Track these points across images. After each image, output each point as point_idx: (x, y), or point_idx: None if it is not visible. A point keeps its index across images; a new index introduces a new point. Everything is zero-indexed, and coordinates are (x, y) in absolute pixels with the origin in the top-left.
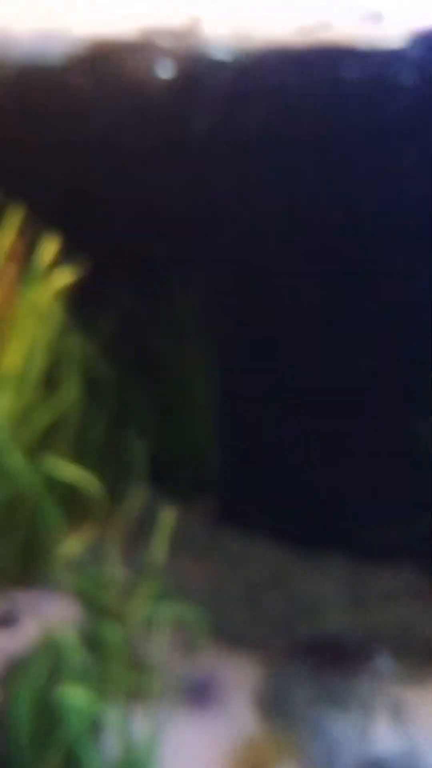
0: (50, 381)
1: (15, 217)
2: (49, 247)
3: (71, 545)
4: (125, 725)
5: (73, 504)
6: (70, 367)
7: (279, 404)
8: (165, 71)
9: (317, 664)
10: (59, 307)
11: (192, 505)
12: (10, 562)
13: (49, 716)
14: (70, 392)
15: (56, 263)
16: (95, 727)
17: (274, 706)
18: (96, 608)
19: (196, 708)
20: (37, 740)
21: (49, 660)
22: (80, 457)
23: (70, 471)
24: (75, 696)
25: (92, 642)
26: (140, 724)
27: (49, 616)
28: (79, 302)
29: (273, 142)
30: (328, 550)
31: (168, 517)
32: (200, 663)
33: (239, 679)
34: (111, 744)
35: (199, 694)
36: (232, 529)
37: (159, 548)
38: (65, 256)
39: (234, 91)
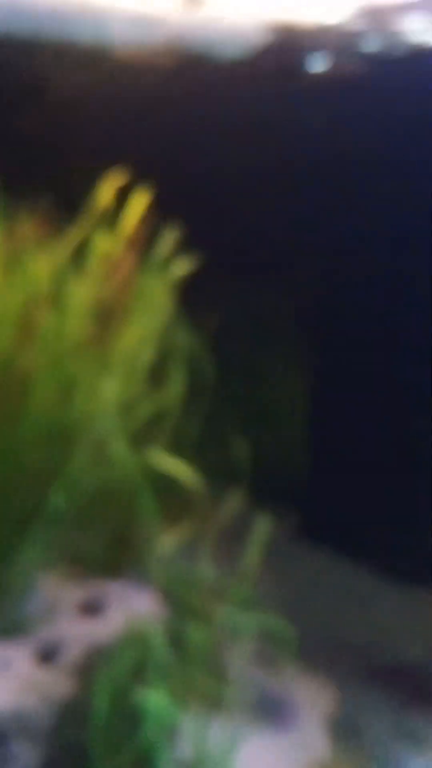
0: (156, 373)
1: (139, 204)
2: (169, 237)
3: (164, 540)
4: (202, 733)
5: (169, 499)
6: (177, 361)
7: (377, 423)
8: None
9: (395, 694)
10: (171, 299)
11: (277, 515)
12: (101, 551)
13: (127, 712)
14: (176, 386)
15: (173, 254)
16: (172, 730)
17: (348, 733)
18: (182, 607)
19: (270, 723)
20: (113, 734)
21: (132, 654)
22: (177, 453)
23: (173, 464)
24: (156, 697)
25: (176, 641)
26: (216, 732)
27: (135, 610)
28: (188, 295)
29: None
30: (415, 578)
31: (264, 523)
32: (278, 678)
33: (314, 699)
34: (186, 750)
35: (274, 710)
36: (317, 545)
37: (253, 555)
38: (182, 247)
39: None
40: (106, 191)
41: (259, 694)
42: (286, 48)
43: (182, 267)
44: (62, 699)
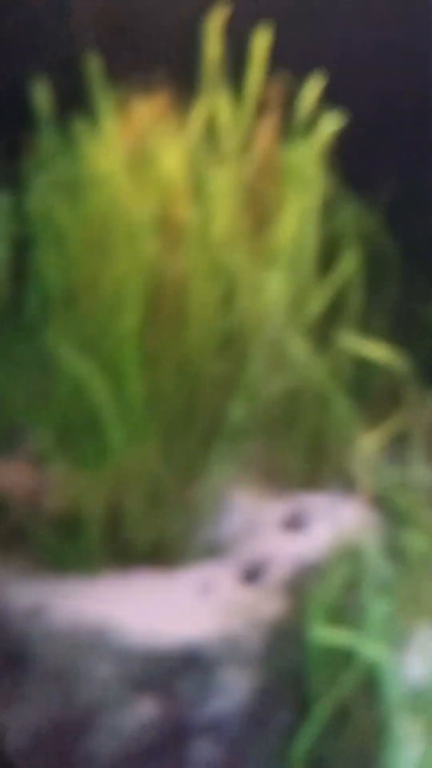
0: (324, 259)
1: (261, 58)
2: (310, 93)
3: (366, 442)
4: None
5: (365, 395)
6: (347, 242)
7: None
8: None
9: None
10: (326, 172)
11: None
12: (297, 462)
13: (345, 629)
14: (348, 271)
15: (317, 117)
16: (398, 647)
17: None
18: (396, 515)
19: None
20: (332, 657)
21: (346, 569)
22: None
23: (369, 350)
24: (377, 609)
25: (393, 552)
26: None
27: (342, 522)
28: (350, 170)
29: None
30: None
31: None
32: None
33: None
34: (415, 666)
35: None
36: None
37: None
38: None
39: None
40: (213, 44)
41: None
42: None
43: (332, 123)
44: (271, 621)
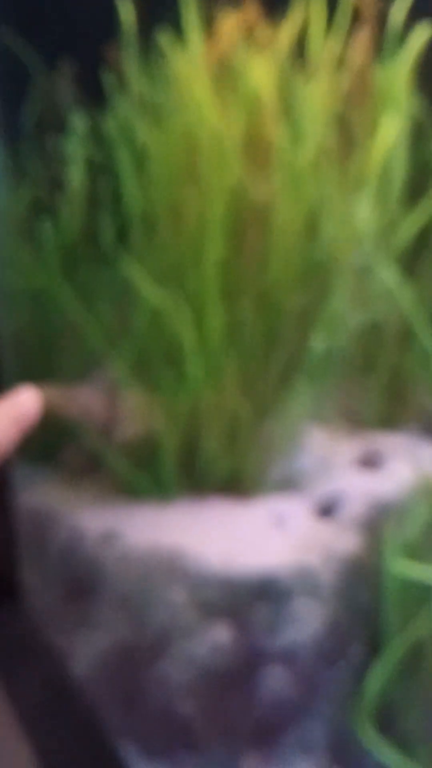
0: (414, 186)
1: None
2: (402, 4)
3: None
4: None
5: None
6: None
7: None
8: None
9: None
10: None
11: None
12: (376, 401)
13: (425, 571)
14: None
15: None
16: None
17: None
18: None
19: None
20: (408, 596)
21: (424, 507)
22: None
23: None
24: None
25: None
26: None
27: (419, 462)
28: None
29: None
30: None
31: None
32: None
33: None
34: None
35: None
36: None
37: None
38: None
39: None
40: None
41: None
42: None
43: (421, 36)
44: (346, 556)
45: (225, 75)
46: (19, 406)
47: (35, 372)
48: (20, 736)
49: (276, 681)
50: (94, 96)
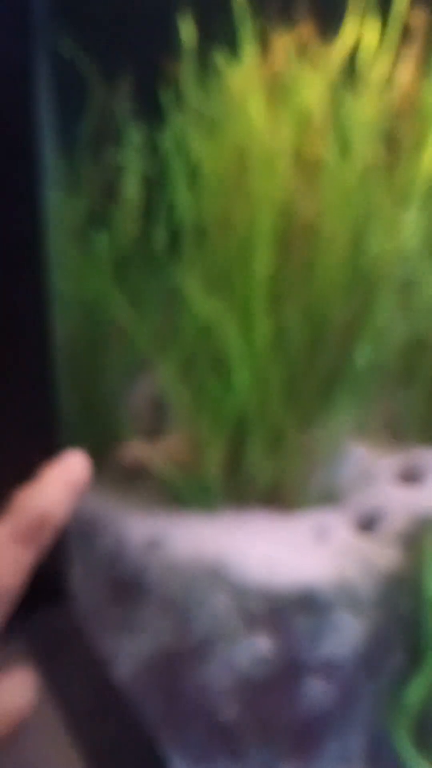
0: None
1: None
2: None
3: None
4: None
5: None
6: None
7: None
8: None
9: None
10: None
11: None
12: (416, 414)
13: None
14: None
15: None
16: None
17: None
18: None
19: None
20: None
21: None
22: None
23: None
24: None
25: None
26: None
27: None
28: None
29: None
30: None
31: None
32: None
33: None
34: None
35: None
36: None
37: None
38: None
39: None
40: None
41: None
42: None
43: None
44: (386, 570)
45: (278, 91)
46: (70, 472)
47: (84, 375)
48: (66, 734)
49: (316, 691)
50: (151, 109)
